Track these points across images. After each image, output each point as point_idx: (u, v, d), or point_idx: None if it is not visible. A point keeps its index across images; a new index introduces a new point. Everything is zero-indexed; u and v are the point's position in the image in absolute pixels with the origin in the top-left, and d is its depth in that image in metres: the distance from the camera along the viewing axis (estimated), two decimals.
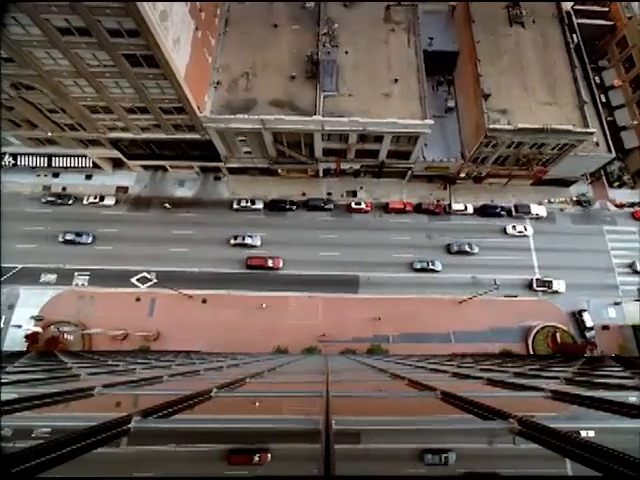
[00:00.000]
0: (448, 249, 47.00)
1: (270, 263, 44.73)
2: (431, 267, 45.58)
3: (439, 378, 12.36)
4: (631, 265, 46.95)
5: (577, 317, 44.37)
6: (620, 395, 8.76)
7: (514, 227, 48.11)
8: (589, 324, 43.44)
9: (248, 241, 45.53)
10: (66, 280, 44.12)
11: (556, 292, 45.26)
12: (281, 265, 45.21)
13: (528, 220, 49.06)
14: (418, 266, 45.69)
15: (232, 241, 45.75)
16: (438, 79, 49.03)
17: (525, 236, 48.10)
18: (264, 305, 43.53)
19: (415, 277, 45.65)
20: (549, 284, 45.18)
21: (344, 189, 50.19)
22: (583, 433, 4.84)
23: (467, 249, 46.56)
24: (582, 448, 3.46)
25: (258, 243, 46.01)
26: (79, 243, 45.13)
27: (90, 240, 45.49)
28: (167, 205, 46.87)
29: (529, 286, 45.79)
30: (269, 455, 4.17)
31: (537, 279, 45.57)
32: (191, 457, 4.58)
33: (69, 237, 44.98)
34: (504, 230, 48.23)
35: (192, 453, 4.70)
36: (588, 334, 43.64)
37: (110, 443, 3.93)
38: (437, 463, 4.21)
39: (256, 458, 4.24)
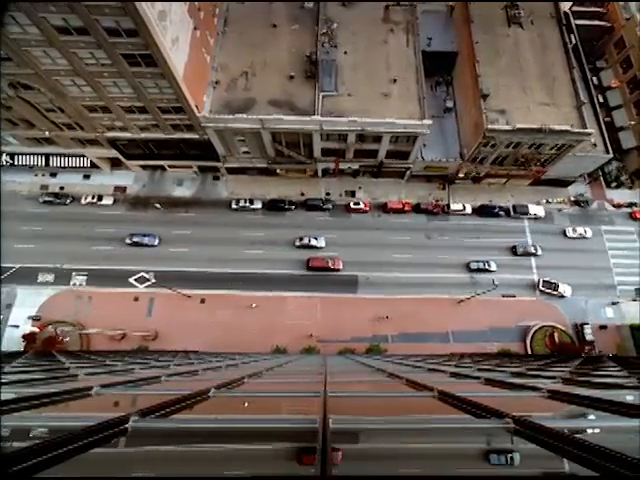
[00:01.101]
0: (514, 251, 47.27)
1: (330, 264, 45.01)
2: (487, 267, 45.97)
3: (437, 378, 12.39)
4: None
5: (578, 329, 44.30)
6: (618, 394, 8.79)
7: (574, 230, 48.21)
8: (589, 337, 43.21)
9: (314, 243, 45.89)
10: (64, 280, 44.02)
11: (561, 296, 45.08)
12: (341, 266, 45.33)
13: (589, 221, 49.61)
14: (474, 266, 46.10)
15: (297, 242, 46.09)
16: (437, 79, 49.12)
17: (585, 239, 48.14)
18: (254, 305, 43.43)
19: (416, 277, 45.69)
20: (555, 286, 45.09)
21: (343, 189, 50.22)
22: (580, 432, 4.86)
23: (532, 251, 46.87)
24: (579, 448, 3.47)
25: (323, 245, 46.26)
26: (146, 245, 45.13)
27: (157, 242, 45.46)
28: (157, 205, 46.87)
29: (534, 286, 45.81)
30: (340, 454, 4.15)
31: (544, 280, 45.47)
32: (190, 457, 4.58)
33: (136, 239, 44.96)
34: (564, 232, 48.45)
35: (191, 453, 4.70)
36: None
37: (108, 443, 3.93)
38: (503, 463, 4.22)
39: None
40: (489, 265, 46.12)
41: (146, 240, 45.10)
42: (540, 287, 45.49)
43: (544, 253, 47.30)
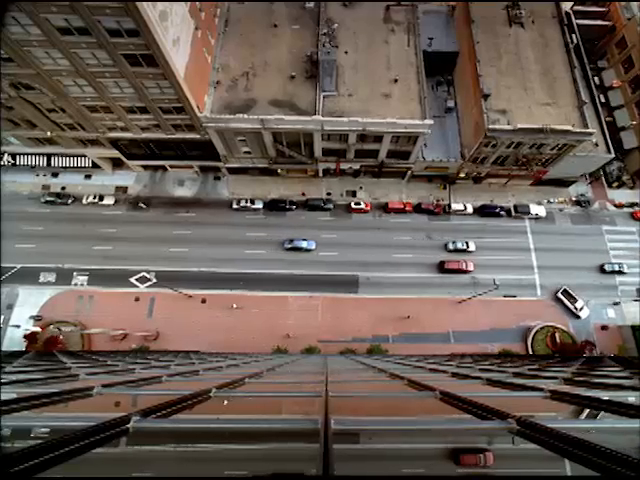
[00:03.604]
0: None
1: (464, 266, 45.53)
2: (621, 270, 46.20)
3: (438, 378, 12.37)
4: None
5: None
6: (619, 395, 8.77)
7: None
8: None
9: (464, 247, 46.61)
10: (65, 280, 44.09)
11: (576, 315, 44.30)
12: (472, 268, 45.74)
13: None
14: (609, 269, 46.24)
15: (451, 246, 46.62)
16: (438, 79, 49.08)
17: None
18: (234, 306, 43.32)
19: (417, 277, 45.67)
20: (573, 301, 44.45)
21: (344, 189, 50.22)
22: (582, 433, 4.83)
23: None
24: (581, 448, 3.46)
25: (474, 249, 46.57)
26: (305, 249, 45.76)
27: (314, 246, 45.91)
28: (142, 205, 47.02)
29: (554, 292, 45.44)
30: (491, 455, 4.12)
31: (564, 290, 44.94)
32: (190, 457, 4.58)
33: (295, 244, 45.67)
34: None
35: (191, 453, 4.70)
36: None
37: (109, 443, 3.93)
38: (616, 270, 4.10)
39: (482, 459, 4.23)
40: (622, 267, 45.95)
41: (304, 244, 45.69)
42: (558, 294, 45.02)
43: (544, 252, 47.24)
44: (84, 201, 47.48)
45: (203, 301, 44.01)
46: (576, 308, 44.26)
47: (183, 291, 42.43)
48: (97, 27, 27.17)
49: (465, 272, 45.84)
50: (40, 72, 31.56)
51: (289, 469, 4.20)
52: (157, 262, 44.88)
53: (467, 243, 46.84)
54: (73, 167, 47.48)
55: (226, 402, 7.14)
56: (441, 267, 46.00)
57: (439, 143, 45.90)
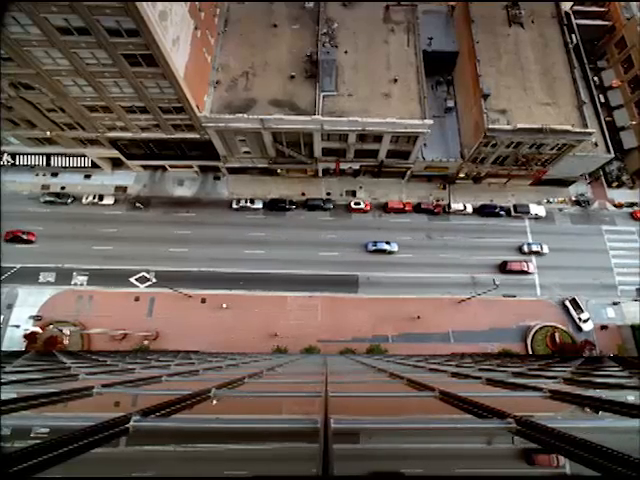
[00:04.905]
0: None
1: (525, 268, 45.96)
2: None
3: (438, 378, 12.37)
4: None
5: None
6: (619, 395, 8.77)
7: None
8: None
9: (538, 249, 46.87)
10: (65, 280, 44.07)
11: (579, 327, 43.91)
12: (532, 269, 46.08)
13: None
14: None
15: (525, 248, 46.92)
16: (437, 79, 49.09)
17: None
18: (224, 305, 43.25)
19: (416, 277, 45.65)
20: (580, 311, 44.13)
21: (343, 189, 50.22)
22: (582, 432, 4.84)
23: None
24: (581, 448, 3.46)
25: (547, 251, 46.97)
26: (388, 252, 46.34)
27: (397, 248, 46.34)
28: (139, 205, 47.19)
29: (562, 299, 45.29)
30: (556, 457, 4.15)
31: (573, 299, 44.63)
32: (190, 457, 4.57)
33: (379, 246, 46.07)
34: None
35: (191, 453, 4.69)
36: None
37: (109, 443, 3.92)
38: None
39: (555, 459, 4.24)
40: None
41: (387, 247, 46.08)
42: (566, 302, 44.81)
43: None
44: (84, 201, 47.46)
45: (203, 301, 44.01)
46: (580, 319, 43.86)
47: (183, 291, 42.43)
48: (97, 27, 27.16)
49: (526, 273, 45.84)
50: (40, 72, 31.56)
51: (289, 469, 4.20)
52: (157, 262, 44.86)
53: (541, 245, 46.93)
54: (73, 167, 47.44)
55: (226, 402, 7.13)
56: (503, 268, 46.02)
57: (439, 143, 45.91)
